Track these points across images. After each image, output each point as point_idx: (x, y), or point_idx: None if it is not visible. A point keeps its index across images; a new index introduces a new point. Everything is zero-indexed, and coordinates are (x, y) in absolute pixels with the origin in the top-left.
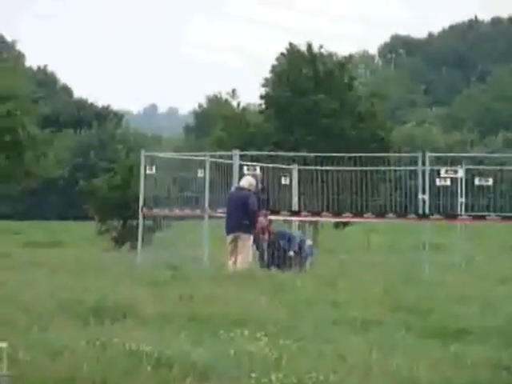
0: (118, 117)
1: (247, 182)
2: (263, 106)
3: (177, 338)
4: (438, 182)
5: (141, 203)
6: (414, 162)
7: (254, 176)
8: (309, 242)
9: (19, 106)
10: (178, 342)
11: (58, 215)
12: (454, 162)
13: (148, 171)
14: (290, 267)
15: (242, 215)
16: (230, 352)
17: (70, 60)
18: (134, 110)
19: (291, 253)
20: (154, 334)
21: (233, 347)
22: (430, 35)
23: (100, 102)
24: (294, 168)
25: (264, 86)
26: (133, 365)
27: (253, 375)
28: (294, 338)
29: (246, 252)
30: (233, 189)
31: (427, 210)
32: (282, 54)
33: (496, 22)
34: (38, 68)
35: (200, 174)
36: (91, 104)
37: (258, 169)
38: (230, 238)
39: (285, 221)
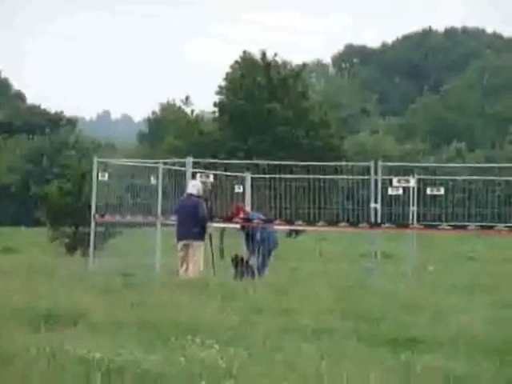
0: (72, 123)
1: (195, 188)
2: (217, 114)
3: (128, 345)
4: (390, 192)
5: (93, 210)
6: (366, 171)
7: (203, 183)
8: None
9: None
10: (129, 349)
11: (9, 221)
12: (407, 171)
13: (101, 178)
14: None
15: (192, 222)
16: (180, 359)
17: (24, 66)
18: (88, 116)
19: (257, 236)
20: (105, 341)
21: (184, 355)
22: (384, 45)
23: (53, 108)
24: (247, 176)
25: (218, 93)
26: (83, 372)
27: (203, 383)
28: (245, 345)
29: (197, 259)
30: (183, 196)
31: (379, 219)
32: (237, 61)
33: (449, 32)
34: None
35: (153, 181)
36: (44, 110)
37: (211, 176)
38: (180, 245)
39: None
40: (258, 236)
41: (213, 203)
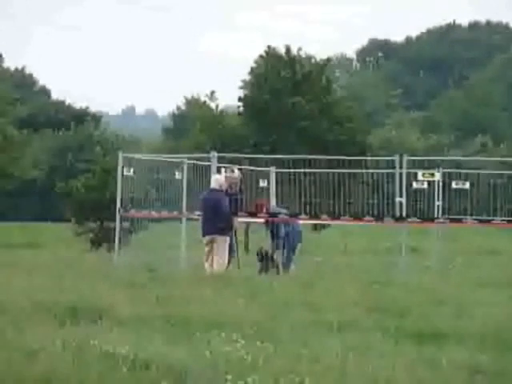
0: (96, 118)
1: (217, 182)
2: (241, 109)
3: (153, 339)
4: (415, 185)
5: (118, 205)
6: (391, 165)
7: (231, 175)
8: (299, 229)
9: None
10: (154, 343)
11: (35, 216)
12: (431, 165)
13: (125, 173)
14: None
15: (216, 218)
16: (206, 354)
17: (49, 61)
18: (113, 111)
19: (282, 231)
20: (130, 336)
21: (209, 349)
22: (408, 39)
23: (78, 104)
24: (272, 170)
25: (242, 88)
26: (109, 367)
27: (229, 377)
28: (271, 340)
29: (222, 254)
30: (205, 191)
31: (404, 213)
32: (261, 56)
33: (473, 26)
34: (16, 69)
35: (178, 175)
36: (69, 105)
37: (236, 170)
38: (206, 240)
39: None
40: (283, 231)
41: (242, 197)
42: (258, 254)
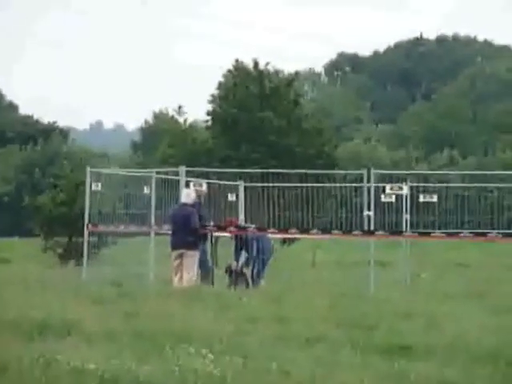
0: (64, 133)
1: (188, 196)
2: (210, 123)
3: (122, 355)
4: (383, 199)
5: (86, 220)
6: (359, 178)
7: (198, 190)
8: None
9: None
10: (123, 359)
11: (2, 232)
12: (399, 179)
13: (94, 188)
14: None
15: (186, 232)
16: (175, 369)
17: (16, 76)
18: (80, 126)
19: (254, 248)
20: (98, 352)
21: (178, 364)
22: (376, 53)
23: (46, 119)
24: (241, 184)
25: (211, 102)
26: (77, 382)
27: None
28: (240, 354)
29: (191, 268)
30: (176, 205)
31: (372, 227)
32: (229, 70)
33: (441, 39)
34: None
35: (146, 190)
36: (37, 120)
37: (204, 185)
38: (174, 254)
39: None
40: (255, 246)
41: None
42: (226, 270)
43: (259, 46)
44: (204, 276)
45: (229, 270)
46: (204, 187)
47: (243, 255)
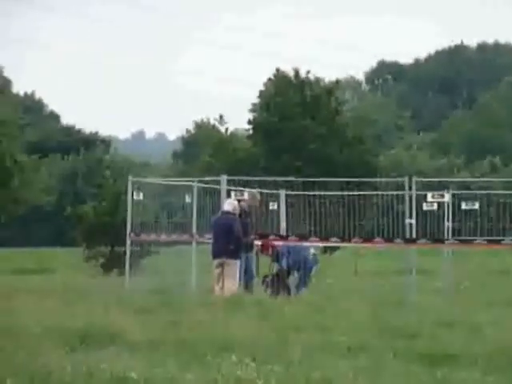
0: (106, 143)
1: (231, 206)
2: (251, 132)
3: (164, 364)
4: (425, 207)
5: (128, 229)
6: (400, 186)
7: (253, 197)
8: (312, 251)
9: (6, 133)
10: (165, 368)
11: (45, 242)
12: (441, 186)
13: (135, 197)
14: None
15: (227, 240)
16: (217, 378)
17: (58, 86)
18: (122, 135)
19: (283, 263)
20: (141, 361)
21: (220, 373)
22: (417, 61)
23: (87, 129)
24: (282, 193)
25: (252, 111)
26: None
27: None
28: (282, 363)
29: (233, 277)
30: (218, 214)
31: (414, 235)
32: (270, 79)
33: (482, 47)
34: (26, 94)
35: (187, 199)
36: (79, 130)
37: (245, 194)
38: (216, 263)
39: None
40: (284, 262)
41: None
42: (263, 281)
43: (298, 56)
44: (248, 285)
45: (271, 278)
46: (258, 195)
47: (275, 266)
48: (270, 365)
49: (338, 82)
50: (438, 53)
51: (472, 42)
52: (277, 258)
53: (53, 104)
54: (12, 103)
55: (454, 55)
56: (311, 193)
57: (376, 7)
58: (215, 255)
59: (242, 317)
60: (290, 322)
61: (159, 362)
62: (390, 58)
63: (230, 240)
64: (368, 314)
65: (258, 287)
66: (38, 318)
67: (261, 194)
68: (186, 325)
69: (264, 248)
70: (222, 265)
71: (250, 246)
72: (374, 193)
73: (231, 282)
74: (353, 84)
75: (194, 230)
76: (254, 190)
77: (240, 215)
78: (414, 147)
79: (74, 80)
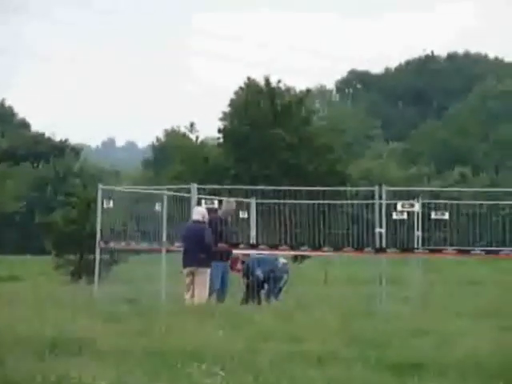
0: (76, 151)
1: (200, 214)
2: (221, 140)
3: (134, 373)
4: (395, 216)
5: (98, 237)
6: (370, 195)
7: (228, 203)
8: (282, 260)
9: None
10: (134, 376)
11: (14, 249)
12: (411, 196)
13: (105, 205)
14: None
15: (198, 249)
16: None
17: (28, 94)
18: (92, 143)
19: (258, 272)
20: (110, 369)
21: (190, 382)
22: (387, 70)
23: (57, 136)
24: (252, 201)
25: (222, 119)
26: None
27: None
28: (251, 372)
29: (203, 285)
30: (188, 222)
31: (384, 244)
32: (240, 87)
33: (452, 57)
34: None
35: (157, 207)
36: (49, 138)
37: (215, 202)
38: (186, 271)
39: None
40: (259, 271)
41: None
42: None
43: (269, 64)
44: (222, 294)
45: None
46: (233, 203)
47: (245, 281)
48: (240, 374)
49: (308, 91)
50: (408, 62)
51: (442, 51)
52: (247, 271)
53: (23, 112)
54: None
55: (425, 65)
56: (281, 201)
57: (348, 15)
58: (186, 264)
59: (212, 326)
60: (260, 331)
61: (128, 371)
62: (360, 67)
63: (200, 249)
64: (338, 323)
65: (228, 294)
66: (7, 325)
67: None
68: (156, 333)
69: (233, 264)
70: (192, 273)
71: (228, 254)
72: (344, 202)
73: (202, 290)
74: (323, 93)
75: (164, 238)
76: (229, 199)
77: (216, 223)
78: (384, 156)
79: (44, 88)
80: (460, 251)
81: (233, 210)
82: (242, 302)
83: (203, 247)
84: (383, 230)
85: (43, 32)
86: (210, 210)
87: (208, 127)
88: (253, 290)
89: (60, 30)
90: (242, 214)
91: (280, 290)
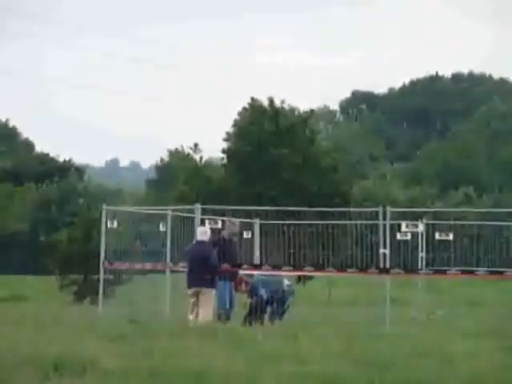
0: (80, 171)
1: (205, 234)
2: (225, 160)
3: None
4: (399, 237)
5: (102, 257)
6: (374, 216)
7: (232, 224)
8: (286, 282)
9: None
10: None
11: (18, 269)
12: (415, 216)
13: (109, 225)
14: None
15: (203, 270)
16: None
17: (32, 114)
18: (96, 163)
19: (262, 292)
20: None
21: None
22: (391, 90)
23: (62, 157)
24: (256, 222)
25: (226, 140)
26: None
27: None
28: None
29: (208, 306)
30: (193, 243)
31: (388, 265)
32: (244, 108)
33: (456, 77)
34: None
35: (162, 227)
36: (53, 158)
37: (219, 222)
38: (191, 292)
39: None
40: (263, 291)
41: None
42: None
43: (273, 85)
44: (229, 314)
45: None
46: (238, 224)
47: (249, 302)
48: None
49: (312, 111)
50: (412, 83)
51: (446, 72)
52: (251, 292)
53: (27, 132)
54: None
55: (429, 85)
56: (285, 222)
57: (349, 39)
58: (190, 284)
59: (216, 346)
60: (264, 351)
61: None
62: (364, 87)
63: (205, 269)
64: (342, 343)
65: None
66: (11, 345)
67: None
68: (160, 353)
69: (237, 284)
70: (197, 294)
71: (234, 275)
72: (348, 222)
73: (206, 310)
74: (327, 114)
75: (168, 258)
76: (233, 219)
77: (220, 244)
78: (388, 177)
79: (48, 108)
80: (464, 272)
81: (237, 231)
82: (243, 323)
83: (208, 268)
84: (387, 251)
85: (41, 52)
86: (213, 231)
87: (212, 148)
88: (255, 311)
89: (56, 49)
90: (246, 235)
91: (284, 311)
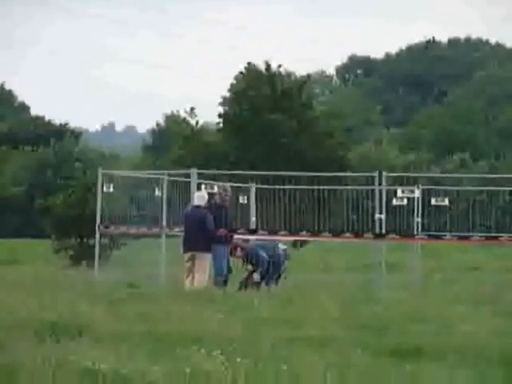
0: (76, 134)
1: (202, 199)
2: (221, 125)
3: (133, 356)
4: (395, 202)
5: (98, 221)
6: (370, 181)
7: (224, 190)
8: (282, 247)
9: None
10: (134, 360)
11: (14, 233)
12: (411, 181)
13: (105, 189)
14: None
15: (199, 234)
16: (186, 370)
17: (28, 77)
18: (92, 127)
19: (264, 254)
20: (110, 353)
21: (189, 365)
22: (388, 56)
23: (57, 120)
24: (252, 187)
25: (222, 104)
26: (89, 383)
27: None
28: (251, 356)
29: (203, 270)
30: (189, 207)
31: (384, 230)
32: (241, 72)
33: (453, 42)
34: None
35: (157, 192)
36: (49, 121)
37: (215, 187)
38: (187, 256)
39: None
40: (264, 253)
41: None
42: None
43: (270, 51)
44: (226, 279)
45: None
46: (229, 190)
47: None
48: (239, 358)
49: (308, 76)
50: (409, 48)
51: (443, 37)
52: (246, 257)
53: (23, 95)
54: None
55: (425, 51)
56: (281, 187)
57: (350, 8)
58: (186, 249)
59: (212, 310)
60: (259, 315)
61: (128, 354)
62: (361, 52)
63: (201, 234)
64: (337, 307)
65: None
66: (6, 309)
67: (231, 187)
68: (155, 317)
69: (232, 249)
70: (192, 258)
71: (229, 238)
72: (344, 187)
73: (202, 274)
74: (323, 79)
75: (164, 222)
76: (225, 184)
77: (211, 210)
78: (384, 142)
79: (44, 71)
80: (460, 237)
81: (229, 196)
82: (239, 288)
83: (204, 232)
84: (383, 216)
85: (41, 19)
86: (210, 195)
87: (208, 112)
88: (267, 272)
89: (54, 16)
90: (242, 200)
91: (279, 276)
